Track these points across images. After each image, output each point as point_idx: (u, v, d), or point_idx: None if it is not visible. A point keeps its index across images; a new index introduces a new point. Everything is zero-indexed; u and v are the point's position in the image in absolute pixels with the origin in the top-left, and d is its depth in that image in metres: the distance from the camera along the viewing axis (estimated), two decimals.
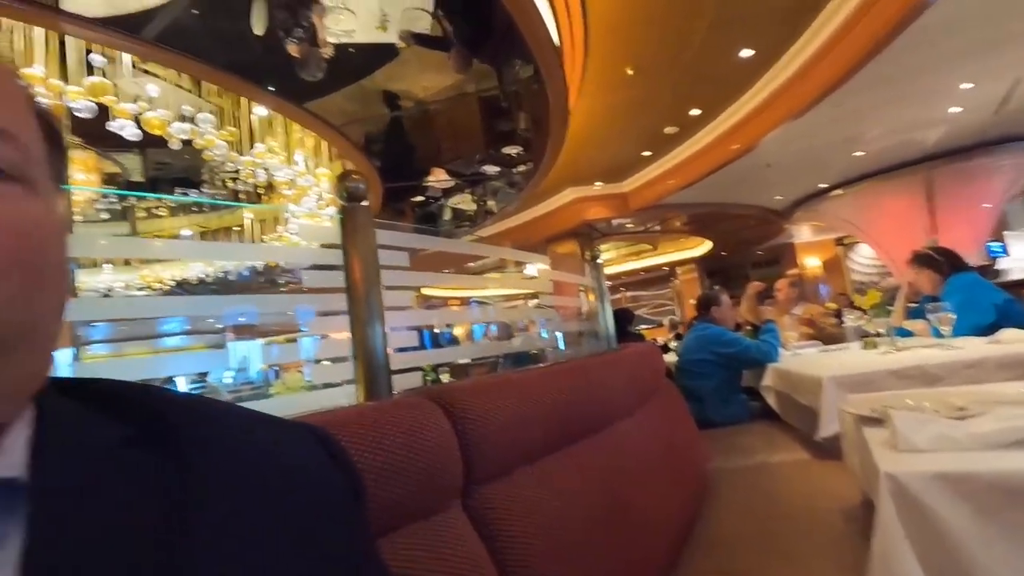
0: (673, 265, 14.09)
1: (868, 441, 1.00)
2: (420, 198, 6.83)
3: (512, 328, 3.80)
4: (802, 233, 12.42)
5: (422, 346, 1.27)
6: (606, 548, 0.99)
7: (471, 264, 9.62)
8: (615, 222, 9.34)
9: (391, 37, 4.12)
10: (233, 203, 5.81)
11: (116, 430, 0.33)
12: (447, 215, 7.59)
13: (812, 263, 13.08)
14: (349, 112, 5.35)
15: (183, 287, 6.57)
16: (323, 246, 1.07)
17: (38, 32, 2.22)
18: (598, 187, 8.35)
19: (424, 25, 4.13)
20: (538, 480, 0.94)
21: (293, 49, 4.15)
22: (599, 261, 2.32)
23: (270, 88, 3.53)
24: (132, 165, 5.37)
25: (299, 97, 3.99)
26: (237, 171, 3.58)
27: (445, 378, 3.42)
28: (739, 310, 3.29)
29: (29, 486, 0.28)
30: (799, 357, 2.81)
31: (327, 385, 1.08)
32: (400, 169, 5.90)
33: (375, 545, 0.42)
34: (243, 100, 3.17)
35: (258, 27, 3.91)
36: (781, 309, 3.71)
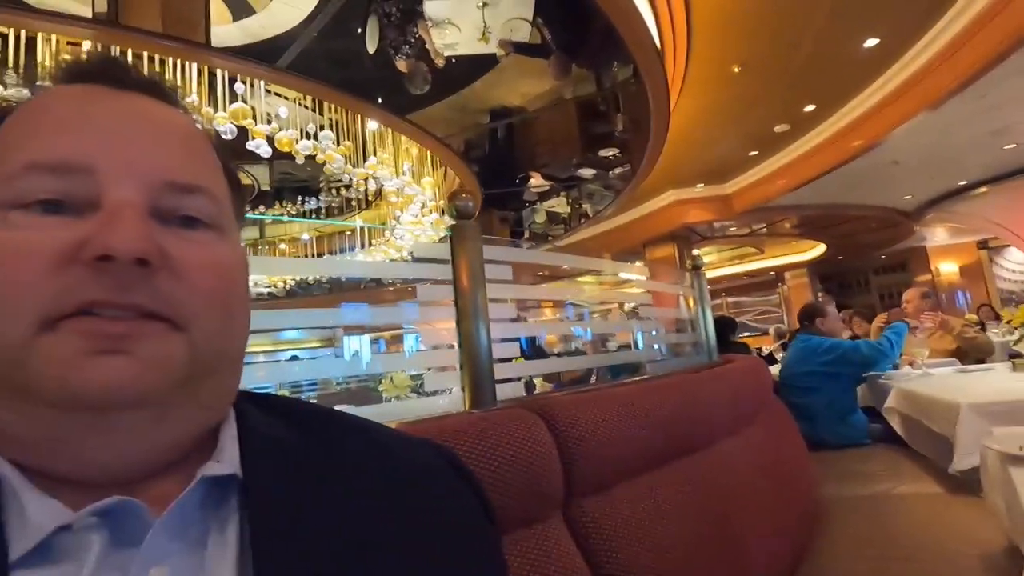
0: (781, 269, 13.17)
1: (1017, 484, 0.90)
2: (515, 202, 6.96)
3: (607, 334, 3.76)
4: (936, 235, 11.09)
5: (520, 351, 1.31)
6: (707, 571, 0.97)
7: (566, 267, 9.60)
8: (717, 225, 8.91)
9: (491, 47, 4.24)
10: (305, 219, 6.26)
11: (289, 432, 0.40)
12: (540, 218, 7.65)
13: (948, 269, 11.66)
14: (450, 121, 5.57)
15: (301, 286, 7.19)
16: (417, 259, 1.14)
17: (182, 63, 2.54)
18: (699, 189, 8.02)
19: (524, 34, 4.21)
20: (638, 496, 0.94)
21: (402, 65, 4.41)
22: (701, 269, 2.24)
23: (379, 102, 3.78)
24: (261, 176, 5.97)
25: (405, 110, 4.23)
26: (350, 181, 3.87)
27: (538, 381, 3.47)
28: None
29: (242, 481, 0.35)
30: (931, 377, 2.52)
31: (432, 392, 1.14)
32: (497, 175, 6.05)
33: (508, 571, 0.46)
34: (357, 116, 3.41)
35: (371, 45, 4.20)
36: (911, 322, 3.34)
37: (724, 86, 5.07)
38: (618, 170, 6.10)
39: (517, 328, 1.22)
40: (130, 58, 2.25)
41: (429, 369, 1.13)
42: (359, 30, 4.19)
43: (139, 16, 2.63)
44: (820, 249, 11.34)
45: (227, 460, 0.35)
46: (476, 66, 4.88)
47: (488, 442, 0.78)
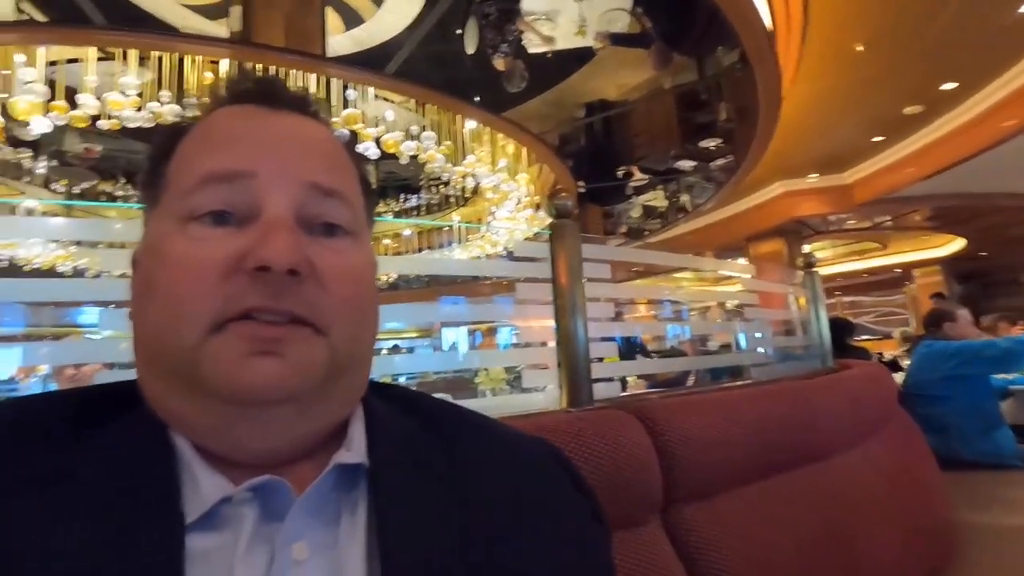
0: (908, 267, 11.83)
1: None
2: (610, 197, 6.84)
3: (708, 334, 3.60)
4: None
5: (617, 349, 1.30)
6: None
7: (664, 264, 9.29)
8: (832, 218, 8.18)
9: (588, 41, 4.19)
10: (405, 219, 6.50)
11: (409, 423, 0.44)
12: (636, 213, 7.45)
13: None
14: (545, 117, 5.59)
15: (403, 280, 7.56)
16: (515, 257, 1.16)
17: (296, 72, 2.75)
18: (813, 179, 7.41)
19: (622, 25, 4.11)
20: (744, 507, 0.90)
21: (499, 64, 4.49)
22: (814, 266, 2.08)
23: (476, 101, 3.88)
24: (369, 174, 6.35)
25: (501, 107, 4.30)
26: (449, 179, 4.01)
27: (631, 380, 3.39)
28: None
29: (369, 469, 0.39)
30: None
31: (526, 390, 1.16)
32: (592, 169, 5.98)
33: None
34: (457, 116, 3.53)
35: (470, 46, 4.31)
36: None
37: (845, 67, 4.64)
38: (720, 161, 5.80)
39: (614, 327, 1.21)
40: (259, 71, 2.48)
41: (525, 367, 1.15)
42: (459, 32, 4.32)
43: (266, 33, 2.90)
44: (958, 244, 10.04)
45: (356, 450, 0.39)
46: (572, 60, 4.85)
47: (584, 442, 0.79)
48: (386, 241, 7.38)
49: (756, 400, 1.05)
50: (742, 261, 7.36)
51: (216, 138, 0.39)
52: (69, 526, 0.31)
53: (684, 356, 2.97)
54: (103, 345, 0.81)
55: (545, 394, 1.09)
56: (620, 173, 6.17)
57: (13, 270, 4.73)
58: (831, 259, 11.55)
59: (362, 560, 0.35)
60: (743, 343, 2.01)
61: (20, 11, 3.31)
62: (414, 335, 11.03)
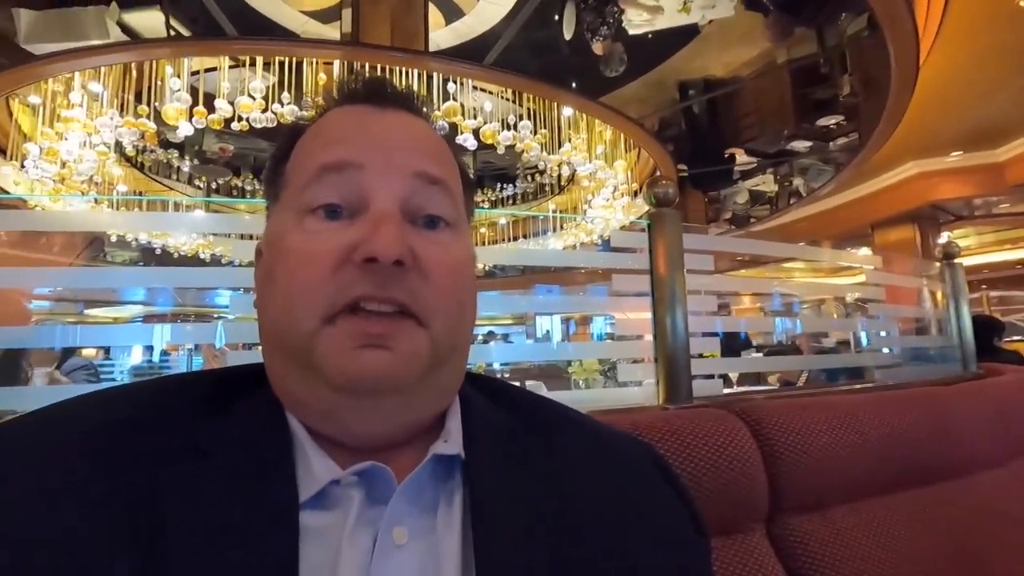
0: None
1: None
2: (713, 182, 6.49)
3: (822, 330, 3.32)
4: None
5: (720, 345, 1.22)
6: None
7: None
8: (979, 201, 7.17)
9: (694, 17, 3.97)
10: (500, 209, 6.51)
11: (505, 416, 0.45)
12: (742, 198, 7.00)
13: None
14: (645, 100, 5.39)
15: (497, 267, 7.71)
16: (612, 248, 1.13)
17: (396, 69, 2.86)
18: (955, 158, 6.52)
19: (728, 3, 3.86)
20: (861, 522, 0.83)
21: (598, 47, 4.38)
22: (955, 257, 1.83)
23: (573, 87, 3.83)
24: (467, 164, 6.51)
25: (598, 92, 4.21)
26: (545, 167, 4.00)
27: (732, 376, 3.22)
28: None
29: (465, 460, 0.40)
30: None
31: (621, 383, 1.14)
32: (694, 153, 5.70)
33: None
34: (553, 103, 3.51)
35: (568, 31, 4.25)
36: None
37: (1003, 26, 4.01)
38: (841, 141, 5.28)
39: (716, 321, 1.15)
40: (367, 72, 2.62)
41: (621, 361, 1.13)
42: (556, 18, 4.27)
43: (374, 32, 3.05)
44: None
45: (453, 441, 0.41)
46: (674, 39, 4.63)
47: (682, 441, 0.76)
48: (482, 230, 7.55)
49: (880, 406, 0.95)
50: (864, 251, 6.69)
51: (328, 135, 0.42)
52: (204, 497, 0.34)
53: (794, 353, 2.75)
54: (232, 328, 0.91)
55: (641, 389, 1.06)
56: (721, 156, 5.83)
57: (165, 256, 5.40)
58: (975, 248, 10.15)
59: (458, 548, 0.37)
60: (864, 341, 1.83)
61: (170, 28, 3.74)
62: (509, 322, 11.24)
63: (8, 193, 3.51)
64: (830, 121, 5.09)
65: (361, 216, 0.39)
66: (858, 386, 1.49)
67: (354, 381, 0.36)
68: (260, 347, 0.43)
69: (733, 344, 3.40)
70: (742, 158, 5.82)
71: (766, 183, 6.78)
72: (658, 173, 4.57)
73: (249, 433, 0.38)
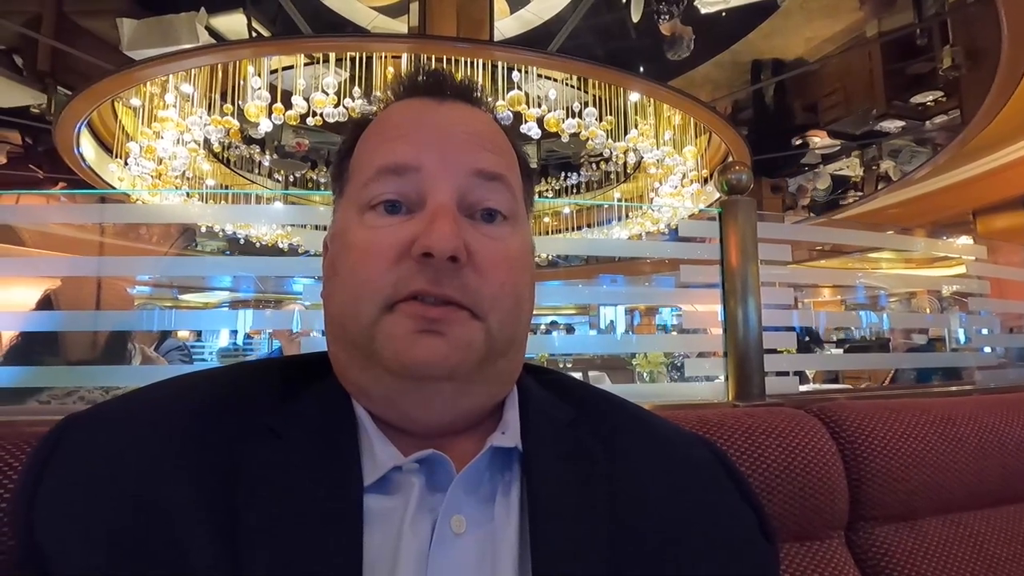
0: None
1: None
2: (791, 167, 6.12)
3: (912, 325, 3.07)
4: None
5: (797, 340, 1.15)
6: None
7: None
8: None
9: None
10: (563, 199, 6.39)
11: (566, 411, 0.44)
12: (823, 184, 6.57)
13: None
14: (717, 82, 5.15)
15: (561, 257, 7.66)
16: (681, 237, 1.09)
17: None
18: None
19: None
20: (954, 537, 0.76)
21: (665, 28, 4.23)
22: None
23: (641, 71, 3.71)
24: (530, 154, 6.49)
25: (668, 76, 4.06)
26: (611, 155, 3.91)
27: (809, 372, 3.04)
28: None
29: (522, 452, 0.40)
30: None
31: (687, 378, 1.09)
32: (771, 137, 5.39)
33: None
34: (620, 89, 3.41)
35: (636, 14, 4.12)
36: None
37: None
38: (939, 119, 4.83)
39: (792, 315, 1.08)
40: (434, 63, 2.66)
41: (689, 355, 1.09)
42: (623, 0, 4.15)
43: (440, 24, 3.08)
44: None
45: (510, 434, 0.41)
46: (751, 15, 4.38)
47: (754, 441, 0.72)
48: (546, 219, 7.51)
49: (980, 410, 0.87)
50: (964, 239, 6.11)
51: (387, 133, 0.43)
52: (279, 475, 0.36)
53: (880, 351, 2.55)
54: (306, 314, 0.95)
55: (710, 385, 1.02)
56: (800, 141, 5.48)
57: (248, 246, 5.76)
58: None
59: (515, 540, 0.37)
60: (962, 339, 1.67)
61: (252, 30, 3.96)
62: (572, 312, 11.16)
63: (114, 188, 3.85)
64: (927, 98, 4.68)
65: (419, 211, 0.39)
66: (954, 388, 1.37)
67: (409, 367, 0.37)
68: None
69: (805, 340, 3.21)
70: (824, 140, 5.45)
71: (851, 167, 6.33)
72: (730, 159, 4.36)
73: (318, 418, 0.40)
